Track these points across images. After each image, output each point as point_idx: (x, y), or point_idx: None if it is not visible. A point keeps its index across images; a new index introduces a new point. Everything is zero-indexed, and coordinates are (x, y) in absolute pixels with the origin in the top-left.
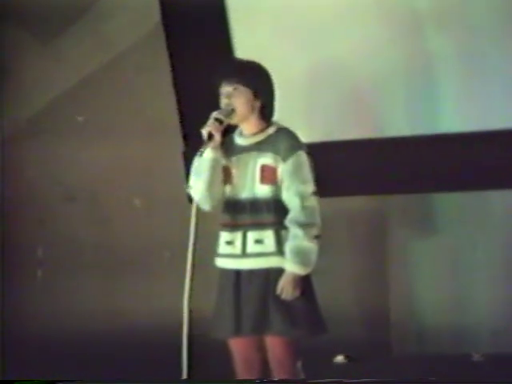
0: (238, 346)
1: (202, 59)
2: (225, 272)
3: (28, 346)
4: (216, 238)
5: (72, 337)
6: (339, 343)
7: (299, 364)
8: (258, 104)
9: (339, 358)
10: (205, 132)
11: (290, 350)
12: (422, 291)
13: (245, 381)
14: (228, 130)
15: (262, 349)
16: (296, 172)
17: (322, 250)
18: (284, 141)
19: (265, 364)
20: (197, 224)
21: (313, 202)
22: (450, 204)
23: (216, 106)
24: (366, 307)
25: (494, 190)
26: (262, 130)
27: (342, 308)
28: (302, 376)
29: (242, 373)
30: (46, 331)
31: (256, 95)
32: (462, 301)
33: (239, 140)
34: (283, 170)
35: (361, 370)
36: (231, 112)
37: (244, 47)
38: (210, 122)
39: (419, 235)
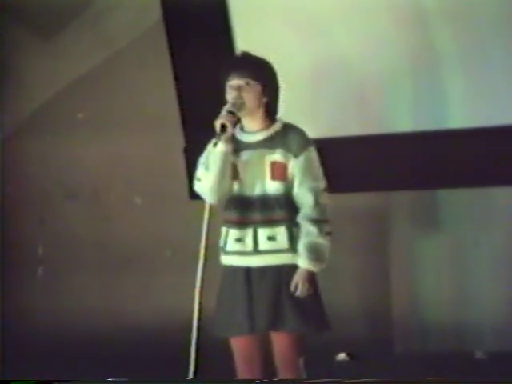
0: (239, 344)
1: (203, 55)
2: (232, 269)
3: (28, 345)
4: (215, 237)
5: (73, 335)
6: (342, 340)
7: (301, 360)
8: (264, 100)
9: (341, 356)
10: (218, 124)
11: (296, 346)
12: (425, 288)
13: (249, 381)
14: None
15: (263, 347)
16: (308, 168)
17: None
18: (295, 137)
19: (265, 362)
20: (209, 220)
21: (325, 198)
22: (454, 201)
23: (217, 102)
24: (369, 304)
25: (498, 187)
26: (267, 127)
27: (345, 305)
28: (304, 373)
29: (242, 371)
30: (46, 330)
31: (264, 91)
32: (465, 298)
33: (242, 136)
34: (294, 166)
35: (363, 368)
36: (241, 106)
37: (247, 43)
38: (223, 114)
39: (423, 232)
